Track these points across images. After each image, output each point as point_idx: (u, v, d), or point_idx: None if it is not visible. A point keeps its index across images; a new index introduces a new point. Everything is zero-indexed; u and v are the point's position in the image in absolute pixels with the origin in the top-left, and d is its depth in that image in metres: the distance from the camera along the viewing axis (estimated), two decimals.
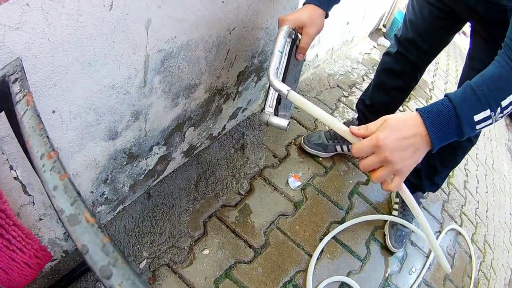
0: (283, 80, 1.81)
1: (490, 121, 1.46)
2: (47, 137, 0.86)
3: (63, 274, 2.07)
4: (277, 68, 1.70)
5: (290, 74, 1.97)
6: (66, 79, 1.35)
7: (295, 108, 3.60)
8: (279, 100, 1.85)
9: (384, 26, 5.97)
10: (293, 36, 1.89)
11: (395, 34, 2.88)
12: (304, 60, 2.12)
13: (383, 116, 1.46)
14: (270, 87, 1.77)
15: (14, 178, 1.48)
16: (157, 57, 1.71)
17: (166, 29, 1.64)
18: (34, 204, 1.67)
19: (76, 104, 1.48)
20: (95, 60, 1.42)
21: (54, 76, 1.30)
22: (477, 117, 1.44)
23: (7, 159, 1.39)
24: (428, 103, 4.73)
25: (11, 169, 1.44)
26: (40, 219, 1.77)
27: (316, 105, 1.51)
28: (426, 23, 2.56)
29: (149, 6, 1.47)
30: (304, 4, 1.91)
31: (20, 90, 0.94)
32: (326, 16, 1.94)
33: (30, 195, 1.62)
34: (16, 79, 0.97)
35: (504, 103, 1.45)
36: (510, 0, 1.76)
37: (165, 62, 1.79)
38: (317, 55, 3.94)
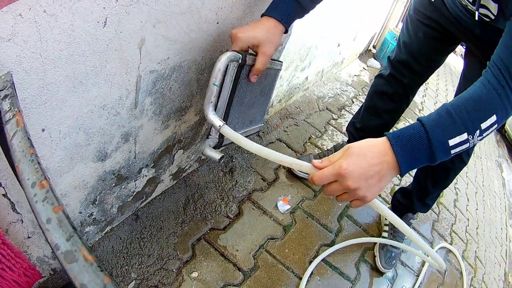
0: (228, 109, 1.80)
1: (467, 144, 1.45)
2: (39, 163, 0.82)
3: None
4: (211, 102, 1.68)
5: (248, 108, 1.94)
6: (56, 97, 1.32)
7: (285, 131, 3.59)
8: (225, 110, 1.81)
9: (374, 47, 5.99)
10: (240, 61, 1.69)
11: (389, 57, 2.88)
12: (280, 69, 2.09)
13: (348, 144, 1.43)
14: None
15: (3, 195, 1.44)
16: (149, 78, 1.68)
17: (159, 49, 1.61)
18: (22, 222, 1.62)
19: (66, 123, 1.44)
20: (87, 78, 1.38)
21: (44, 93, 1.26)
22: (452, 142, 1.43)
23: None
24: None
25: None
26: (29, 237, 1.73)
27: (262, 147, 1.50)
28: (421, 45, 2.56)
29: (144, 25, 1.44)
30: (262, 15, 1.76)
31: (10, 109, 0.89)
32: (285, 32, 1.80)
33: (19, 213, 1.57)
34: (5, 96, 0.91)
35: (484, 125, 1.45)
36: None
37: (157, 83, 1.76)
38: (307, 77, 3.93)
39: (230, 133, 1.60)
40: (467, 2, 2.05)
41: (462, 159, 2.71)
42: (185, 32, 1.68)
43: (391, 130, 3.02)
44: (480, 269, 3.78)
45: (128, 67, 1.53)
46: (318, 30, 3.30)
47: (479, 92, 1.49)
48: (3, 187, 1.41)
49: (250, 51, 1.79)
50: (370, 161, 1.37)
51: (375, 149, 1.40)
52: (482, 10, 1.94)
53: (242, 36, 1.68)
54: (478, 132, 1.45)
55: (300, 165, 1.46)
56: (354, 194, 1.38)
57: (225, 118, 1.82)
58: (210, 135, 1.83)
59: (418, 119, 1.46)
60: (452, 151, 1.44)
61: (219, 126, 1.60)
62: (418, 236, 1.61)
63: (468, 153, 2.69)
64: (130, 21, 1.37)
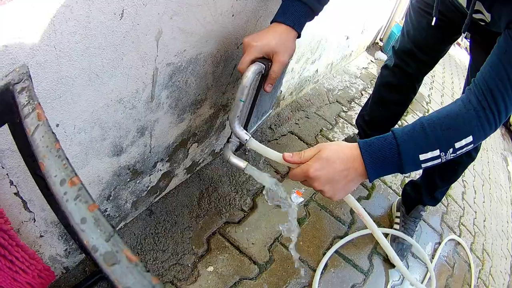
0: (250, 115, 1.83)
1: (439, 160, 1.48)
2: (67, 159, 0.74)
3: None
4: (237, 116, 1.69)
5: (261, 104, 1.92)
6: (71, 91, 1.26)
7: (296, 123, 3.54)
8: (247, 118, 1.84)
9: (381, 40, 5.93)
10: (264, 71, 1.65)
11: (393, 46, 2.83)
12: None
13: (319, 144, 1.51)
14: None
15: (15, 193, 1.38)
16: (166, 71, 1.64)
17: (176, 42, 1.57)
18: (35, 220, 1.57)
19: (81, 118, 1.39)
20: (103, 71, 1.33)
21: (59, 87, 1.21)
22: (423, 156, 1.46)
23: (7, 174, 1.29)
24: None
25: (11, 184, 1.34)
26: (41, 236, 1.67)
27: (274, 151, 1.62)
28: (424, 33, 2.51)
29: (161, 17, 1.39)
30: (272, 22, 1.67)
31: (29, 102, 0.81)
32: (298, 36, 1.72)
33: (31, 212, 1.52)
34: (22, 89, 0.84)
35: (458, 144, 1.47)
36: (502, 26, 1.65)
37: (173, 76, 1.71)
38: (317, 70, 3.88)
39: (256, 146, 1.66)
40: (462, 6, 2.00)
41: (470, 154, 2.66)
42: (202, 24, 1.63)
43: (398, 123, 3.00)
44: (487, 261, 3.73)
45: (145, 60, 1.48)
46: (328, 23, 3.25)
47: (458, 111, 1.49)
48: (15, 185, 1.36)
49: None
50: (337, 167, 1.45)
51: (345, 155, 1.47)
52: (477, 15, 1.89)
53: (256, 45, 1.60)
54: (451, 150, 1.47)
55: (269, 154, 1.62)
56: (322, 193, 1.49)
57: (246, 124, 1.86)
58: (231, 138, 1.85)
59: (391, 130, 1.49)
60: (423, 165, 1.48)
61: (246, 140, 1.67)
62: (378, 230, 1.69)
63: (476, 148, 2.65)
64: (147, 12, 1.32)
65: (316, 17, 1.75)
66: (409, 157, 1.45)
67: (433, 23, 2.26)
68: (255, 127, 2.05)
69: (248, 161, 2.79)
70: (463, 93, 1.62)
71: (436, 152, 1.45)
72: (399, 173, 2.51)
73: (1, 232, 1.18)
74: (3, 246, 1.20)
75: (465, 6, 1.94)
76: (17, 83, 0.84)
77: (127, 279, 0.59)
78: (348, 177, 1.47)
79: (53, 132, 0.77)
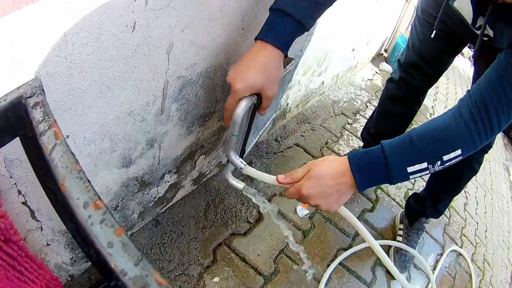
0: (246, 139, 1.88)
1: (427, 172, 1.51)
2: (88, 181, 0.72)
3: None
4: (232, 148, 1.73)
5: (257, 122, 1.94)
6: (82, 102, 1.25)
7: (302, 136, 3.53)
8: (243, 142, 1.89)
9: (386, 50, 5.90)
10: (255, 101, 1.59)
11: (398, 59, 2.81)
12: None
13: (308, 163, 1.57)
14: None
15: (22, 203, 1.37)
16: (176, 84, 1.62)
17: (187, 55, 1.55)
18: (42, 229, 1.55)
19: (91, 129, 1.37)
20: (114, 84, 1.32)
21: (69, 98, 1.19)
22: (410, 169, 1.50)
23: (15, 183, 1.28)
24: None
25: (19, 194, 1.32)
26: (48, 244, 1.66)
27: (269, 175, 1.69)
28: (430, 46, 2.47)
29: (172, 30, 1.38)
30: (257, 39, 1.52)
31: (44, 118, 0.79)
32: (285, 56, 1.57)
33: (39, 221, 1.50)
34: (36, 104, 0.81)
35: (446, 157, 1.49)
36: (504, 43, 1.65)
37: (183, 89, 1.70)
38: (323, 82, 3.86)
39: (251, 172, 1.74)
40: (467, 21, 1.98)
41: (473, 168, 2.65)
42: (212, 37, 1.62)
43: None
44: (488, 271, 3.72)
45: (156, 73, 1.46)
46: (335, 35, 3.24)
47: (448, 124, 1.52)
48: (23, 195, 1.34)
49: None
50: (328, 182, 1.50)
51: (334, 171, 1.52)
52: (480, 32, 1.87)
53: (241, 88, 1.48)
54: (439, 162, 1.50)
55: (264, 178, 1.68)
56: (318, 208, 1.55)
57: (243, 148, 1.93)
58: (227, 169, 1.88)
59: (380, 143, 1.54)
60: (411, 176, 1.52)
61: (241, 168, 1.75)
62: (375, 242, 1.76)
63: (479, 161, 2.64)
64: (159, 25, 1.31)
65: (306, 32, 1.60)
66: (397, 169, 1.49)
67: (432, 35, 2.26)
68: (254, 141, 2.14)
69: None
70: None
71: (424, 165, 1.49)
72: (399, 184, 2.51)
73: (10, 243, 1.16)
74: (12, 257, 1.18)
75: (470, 23, 1.93)
76: (30, 97, 0.82)
77: None
78: (340, 191, 1.52)
79: (72, 152, 0.74)
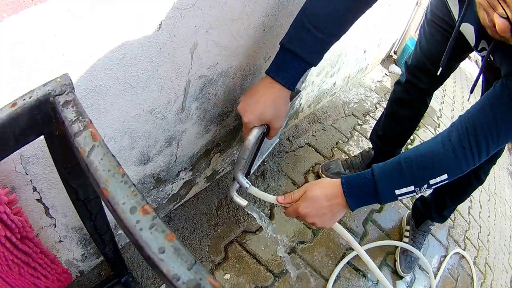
0: (253, 160, 1.97)
1: (414, 194, 1.59)
2: (134, 185, 0.69)
3: None
4: (240, 170, 1.84)
5: (260, 150, 2.01)
6: (104, 100, 1.23)
7: (313, 135, 3.51)
8: (250, 164, 1.98)
9: (395, 52, 5.87)
10: (265, 130, 1.71)
11: (406, 61, 2.77)
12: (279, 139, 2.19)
13: (305, 185, 1.71)
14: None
15: (37, 200, 1.35)
16: (197, 83, 1.61)
17: (210, 55, 1.54)
18: (55, 226, 1.54)
19: (112, 127, 1.36)
20: (137, 82, 1.30)
21: (92, 95, 1.18)
22: (398, 191, 1.58)
23: (30, 180, 1.25)
24: (436, 132, 4.82)
25: (34, 191, 1.30)
26: (60, 241, 1.64)
27: (270, 195, 1.81)
28: (438, 48, 2.41)
29: (197, 30, 1.36)
30: (267, 73, 1.59)
31: (78, 118, 0.75)
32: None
33: (53, 218, 1.48)
34: (67, 102, 0.78)
35: (433, 181, 1.56)
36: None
37: (204, 88, 1.68)
38: (335, 83, 3.84)
39: (256, 192, 1.85)
40: (469, 43, 1.97)
41: (480, 178, 2.65)
42: (235, 38, 1.61)
43: (411, 138, 2.96)
44: (489, 275, 3.71)
45: (179, 72, 1.45)
46: (349, 38, 3.21)
47: (435, 150, 1.58)
48: (38, 192, 1.32)
49: None
50: (322, 203, 1.63)
51: (328, 193, 1.64)
52: (483, 53, 1.87)
53: (250, 121, 1.60)
54: (426, 186, 1.57)
55: (266, 197, 1.81)
56: (314, 225, 1.67)
57: (248, 171, 2.02)
58: (232, 189, 1.94)
59: (372, 167, 1.64)
60: (399, 198, 1.61)
61: (246, 188, 1.87)
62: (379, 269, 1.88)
63: (486, 172, 2.62)
64: (184, 25, 1.29)
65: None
66: (386, 192, 1.59)
67: (438, 73, 2.25)
68: (258, 163, 2.22)
69: (267, 171, 2.76)
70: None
71: (411, 188, 1.56)
72: None
73: (26, 240, 1.14)
74: (27, 254, 1.17)
75: (473, 45, 1.93)
76: (59, 94, 0.79)
77: None
78: (333, 211, 1.64)
79: (113, 155, 0.72)
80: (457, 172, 1.56)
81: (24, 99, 0.76)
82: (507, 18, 1.27)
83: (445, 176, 1.54)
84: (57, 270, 1.37)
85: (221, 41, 1.53)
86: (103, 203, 0.69)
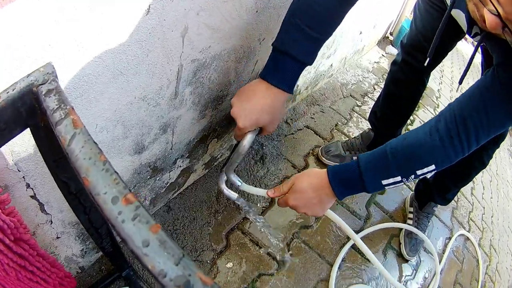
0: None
1: (401, 183, 1.59)
2: (116, 173, 0.64)
3: None
4: (232, 170, 1.87)
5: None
6: (94, 89, 1.19)
7: (312, 118, 3.50)
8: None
9: (391, 34, 5.85)
10: (257, 132, 1.73)
11: (401, 41, 2.74)
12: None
13: (293, 177, 1.74)
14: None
15: (31, 196, 1.31)
16: (190, 67, 1.56)
17: (202, 38, 1.50)
18: (52, 222, 1.50)
19: (103, 116, 1.32)
20: (127, 68, 1.26)
21: (81, 84, 1.13)
22: (385, 181, 1.58)
23: (23, 177, 1.21)
24: (436, 112, 4.84)
25: (27, 187, 1.26)
26: (58, 238, 1.61)
27: (261, 189, 1.85)
28: (434, 25, 2.37)
29: (187, 13, 1.32)
30: (262, 77, 1.60)
31: (59, 106, 0.70)
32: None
33: (48, 214, 1.45)
34: (49, 91, 0.73)
35: (420, 172, 1.55)
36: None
37: (197, 72, 1.64)
38: (331, 65, 3.81)
39: (247, 188, 1.87)
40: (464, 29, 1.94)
41: (483, 161, 2.65)
42: (227, 20, 1.56)
43: (410, 118, 2.92)
44: (494, 257, 3.70)
45: (170, 57, 1.40)
46: (345, 19, 3.18)
47: (422, 140, 1.55)
48: (32, 188, 1.28)
49: None
50: (310, 195, 1.66)
51: (315, 184, 1.67)
52: (477, 38, 1.85)
53: (246, 126, 1.62)
54: (413, 176, 1.56)
55: (257, 192, 1.85)
56: (306, 214, 1.73)
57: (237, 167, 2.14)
58: (223, 169, 1.94)
59: (358, 157, 1.65)
60: (386, 187, 1.60)
61: (238, 185, 1.88)
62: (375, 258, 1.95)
63: (489, 156, 2.63)
64: (174, 8, 1.25)
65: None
66: (372, 182, 1.58)
67: (425, 63, 2.24)
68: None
69: (267, 156, 2.73)
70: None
71: (398, 178, 1.56)
72: None
73: (21, 242, 1.09)
74: (23, 257, 1.12)
75: (465, 30, 1.90)
76: (42, 84, 0.74)
77: None
78: (322, 201, 1.68)
79: (94, 142, 0.67)
80: (445, 162, 1.55)
81: (8, 92, 0.72)
82: (498, 15, 1.23)
83: (432, 167, 1.54)
84: (58, 274, 1.33)
85: (212, 24, 1.49)
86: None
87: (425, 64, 2.19)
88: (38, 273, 1.20)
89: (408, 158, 1.53)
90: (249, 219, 2.54)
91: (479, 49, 2.02)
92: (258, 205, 2.17)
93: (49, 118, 0.70)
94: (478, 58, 2.25)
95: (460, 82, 1.99)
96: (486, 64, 2.23)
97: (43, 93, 0.73)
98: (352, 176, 1.61)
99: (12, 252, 1.05)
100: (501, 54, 1.57)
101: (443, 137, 1.50)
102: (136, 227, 0.57)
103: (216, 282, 0.52)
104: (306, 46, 1.56)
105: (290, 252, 2.53)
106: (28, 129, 0.82)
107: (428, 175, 1.61)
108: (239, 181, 1.88)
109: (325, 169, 1.68)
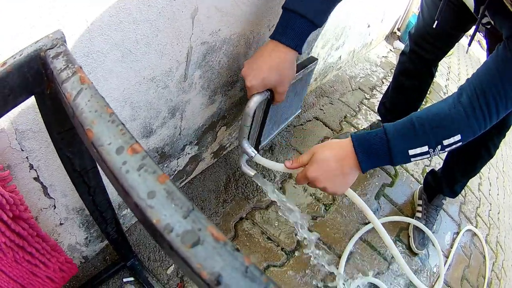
0: (261, 130, 1.97)
1: (428, 155, 1.53)
2: (123, 124, 0.60)
3: (82, 282, 1.89)
4: (244, 137, 1.83)
5: (273, 119, 2.08)
6: (102, 67, 1.17)
7: (321, 109, 3.49)
8: (259, 133, 1.98)
9: (399, 29, 5.86)
10: (268, 97, 1.72)
11: (409, 32, 2.78)
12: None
13: (312, 148, 1.62)
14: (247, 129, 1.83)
15: (34, 178, 1.28)
16: (200, 50, 1.55)
17: (211, 20, 1.48)
18: (55, 207, 1.47)
19: (111, 96, 1.30)
20: (137, 48, 1.24)
21: (89, 62, 1.12)
22: (412, 152, 1.51)
23: (26, 157, 1.19)
24: None
25: (31, 169, 1.24)
26: (61, 224, 1.58)
27: (277, 163, 1.75)
28: (440, 18, 2.39)
29: None
30: (271, 38, 1.59)
31: (67, 66, 0.68)
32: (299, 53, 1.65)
33: (52, 198, 1.42)
34: (57, 54, 0.71)
35: (446, 142, 1.51)
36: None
37: (207, 56, 1.62)
38: (340, 57, 3.81)
39: (262, 160, 1.81)
40: (471, 9, 1.98)
41: (489, 151, 2.61)
42: (237, 4, 1.55)
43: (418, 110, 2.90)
44: (500, 255, 3.67)
45: (180, 37, 1.39)
46: (353, 11, 3.20)
47: (447, 110, 1.52)
48: (35, 170, 1.26)
49: None
50: (332, 164, 1.54)
51: (338, 153, 1.56)
52: (484, 20, 1.89)
53: (253, 86, 1.60)
54: (439, 147, 1.51)
55: (273, 166, 1.75)
56: (325, 190, 1.58)
57: (258, 140, 2.04)
58: (242, 158, 1.96)
59: (383, 126, 1.55)
60: (412, 159, 1.53)
61: (252, 156, 1.83)
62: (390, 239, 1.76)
63: (496, 146, 2.59)
64: None
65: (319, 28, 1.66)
66: (399, 152, 1.51)
67: (434, 26, 2.27)
68: (274, 134, 2.26)
69: (276, 146, 2.71)
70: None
71: (425, 148, 1.50)
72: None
73: (20, 221, 1.05)
74: (22, 237, 1.08)
75: (473, 11, 1.93)
76: (50, 48, 0.72)
77: (214, 263, 0.46)
78: (344, 172, 1.55)
79: (102, 96, 0.64)
80: (469, 133, 1.51)
81: (15, 58, 0.70)
82: None
83: (458, 137, 1.49)
84: (59, 258, 1.29)
85: (222, 7, 1.48)
86: (93, 157, 0.60)
87: (434, 26, 2.25)
88: (37, 255, 1.16)
89: (434, 127, 1.49)
90: (258, 208, 2.52)
91: (479, 44, 2.04)
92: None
93: (56, 79, 0.68)
94: (479, 54, 2.25)
95: (469, 44, 2.11)
96: (491, 50, 2.23)
97: (51, 56, 0.71)
98: (378, 144, 1.53)
99: (10, 230, 1.01)
100: (510, 28, 1.57)
101: (466, 108, 1.48)
102: (142, 178, 0.53)
103: (229, 241, 0.48)
104: (316, 4, 1.54)
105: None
106: (34, 104, 0.80)
107: (455, 147, 1.53)
108: (252, 151, 1.83)
109: (348, 138, 1.58)
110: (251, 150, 1.82)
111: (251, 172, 1.87)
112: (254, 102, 1.64)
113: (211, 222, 0.49)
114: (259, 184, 1.85)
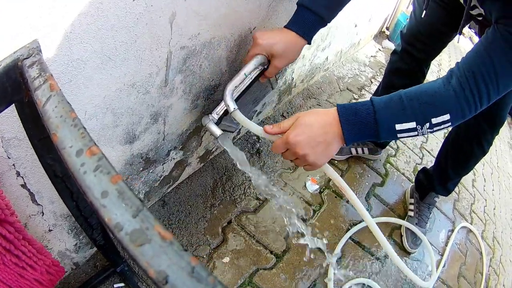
0: (239, 98, 1.86)
1: (415, 133, 1.52)
2: (84, 128, 0.64)
3: None
4: (235, 87, 1.76)
5: (250, 95, 2.04)
6: (83, 74, 1.20)
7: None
8: (226, 112, 1.89)
9: (387, 28, 5.88)
10: (266, 66, 1.79)
11: (401, 31, 2.81)
12: (273, 89, 2.22)
13: (297, 114, 1.58)
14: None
15: (21, 185, 1.32)
16: (180, 54, 1.58)
17: (190, 25, 1.51)
18: (43, 214, 1.51)
19: (92, 103, 1.33)
20: (116, 54, 1.27)
21: (69, 70, 1.15)
22: (399, 126, 1.50)
23: (13, 164, 1.23)
24: None
25: (18, 176, 1.27)
26: (50, 230, 1.62)
27: (256, 124, 1.68)
28: (432, 17, 2.47)
29: None
30: (284, 27, 1.75)
31: (40, 74, 0.73)
32: (308, 43, 1.81)
33: (39, 205, 1.46)
34: (32, 63, 0.76)
35: (435, 120, 1.50)
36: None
37: (187, 60, 1.65)
38: (327, 57, 3.83)
39: (240, 117, 1.71)
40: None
41: (483, 148, 2.65)
42: (215, 7, 1.58)
43: None
44: (498, 250, 3.70)
45: (159, 43, 1.42)
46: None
47: (437, 88, 1.53)
48: (22, 177, 1.29)
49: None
50: (316, 131, 1.50)
51: (323, 120, 1.52)
52: (474, 12, 1.93)
53: (262, 43, 1.69)
54: (428, 124, 1.50)
55: (251, 127, 1.67)
56: (305, 160, 1.54)
57: (237, 99, 1.90)
58: (211, 114, 1.89)
59: (371, 98, 1.54)
60: (399, 135, 1.52)
61: (233, 109, 1.72)
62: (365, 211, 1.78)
63: (489, 143, 2.62)
64: None
65: (328, 24, 1.81)
66: (385, 125, 1.49)
67: (422, 16, 2.34)
68: (253, 108, 2.32)
69: (263, 149, 2.75)
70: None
71: (412, 124, 1.49)
72: (408, 159, 2.45)
73: (6, 224, 1.10)
74: (8, 240, 1.13)
75: (462, 1, 1.95)
76: (27, 58, 0.76)
77: (160, 261, 0.49)
78: (327, 141, 1.52)
79: (68, 102, 0.68)
80: (459, 114, 1.52)
81: None
82: None
83: (447, 117, 1.50)
84: (46, 261, 1.33)
85: (201, 10, 1.51)
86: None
87: (422, 16, 2.31)
88: (24, 258, 1.21)
89: (423, 103, 1.49)
90: (245, 212, 2.56)
91: (471, 41, 2.07)
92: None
93: (30, 87, 0.72)
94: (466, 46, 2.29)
95: (460, 33, 2.13)
96: None
97: (27, 65, 0.75)
98: (364, 115, 1.50)
99: None
100: (500, 9, 1.58)
101: (456, 89, 1.49)
102: (97, 178, 0.57)
103: (176, 239, 0.51)
104: (325, 4, 1.71)
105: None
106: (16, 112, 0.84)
107: (443, 128, 1.53)
108: (234, 104, 1.73)
109: (334, 107, 1.55)
110: (233, 103, 1.74)
111: (217, 131, 1.84)
112: (254, 63, 1.72)
113: (159, 222, 0.53)
114: (225, 148, 1.82)
